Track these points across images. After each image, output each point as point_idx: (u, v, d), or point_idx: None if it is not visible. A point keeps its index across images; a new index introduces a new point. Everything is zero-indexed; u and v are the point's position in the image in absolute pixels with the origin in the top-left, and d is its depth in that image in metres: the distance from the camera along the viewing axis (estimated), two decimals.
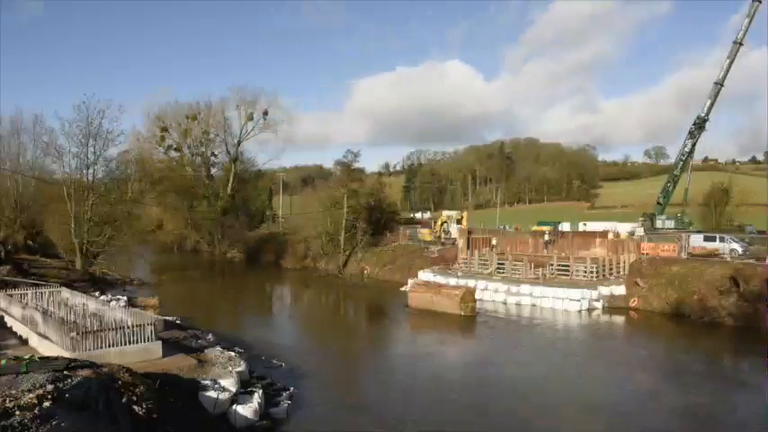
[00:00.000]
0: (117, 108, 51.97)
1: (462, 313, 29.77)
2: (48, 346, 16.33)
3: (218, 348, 18.92)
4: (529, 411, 16.26)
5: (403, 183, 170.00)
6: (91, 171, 41.93)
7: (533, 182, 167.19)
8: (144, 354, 15.72)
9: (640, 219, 58.59)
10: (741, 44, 51.40)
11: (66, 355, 14.34)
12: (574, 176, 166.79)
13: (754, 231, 53.42)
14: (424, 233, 55.62)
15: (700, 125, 54.25)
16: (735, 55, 51.98)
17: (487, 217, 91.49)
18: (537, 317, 30.90)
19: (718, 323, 28.14)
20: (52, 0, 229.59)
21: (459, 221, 54.83)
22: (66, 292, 24.07)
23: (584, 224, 63.66)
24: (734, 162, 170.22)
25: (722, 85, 52.57)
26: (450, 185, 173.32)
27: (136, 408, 10.99)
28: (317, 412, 15.82)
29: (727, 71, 52.20)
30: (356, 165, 66.64)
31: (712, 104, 53.79)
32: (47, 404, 9.51)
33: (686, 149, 56.07)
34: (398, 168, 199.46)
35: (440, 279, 37.72)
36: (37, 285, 25.75)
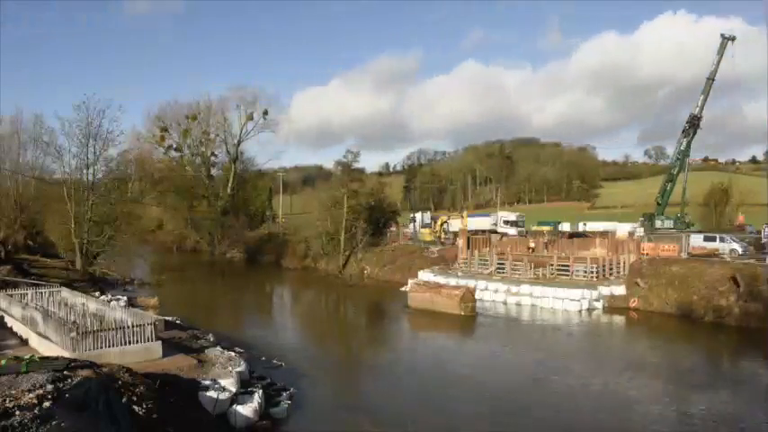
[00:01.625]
0: (117, 108, 51.94)
1: (462, 313, 29.76)
2: (48, 346, 16.33)
3: (218, 348, 18.94)
4: (528, 411, 16.26)
5: (403, 183, 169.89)
6: (91, 171, 41.96)
7: (533, 182, 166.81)
8: (144, 354, 15.73)
9: (641, 219, 58.44)
10: (713, 80, 52.41)
11: (67, 355, 14.34)
12: (574, 176, 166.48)
13: (753, 231, 53.28)
14: (424, 233, 55.63)
15: (693, 123, 54.16)
16: (708, 91, 53.06)
17: None
18: (537, 317, 30.88)
19: (718, 323, 28.06)
20: (52, 0, 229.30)
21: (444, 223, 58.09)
22: (66, 292, 24.10)
23: (584, 224, 63.48)
24: (734, 162, 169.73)
25: (713, 80, 52.91)
26: (451, 185, 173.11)
27: (136, 408, 10.99)
28: (317, 412, 15.84)
29: (703, 105, 53.47)
30: (356, 165, 66.41)
31: (704, 102, 53.79)
32: (47, 404, 9.51)
33: (681, 148, 55.98)
34: (398, 168, 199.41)
35: (440, 279, 37.68)
36: (37, 285, 25.76)
